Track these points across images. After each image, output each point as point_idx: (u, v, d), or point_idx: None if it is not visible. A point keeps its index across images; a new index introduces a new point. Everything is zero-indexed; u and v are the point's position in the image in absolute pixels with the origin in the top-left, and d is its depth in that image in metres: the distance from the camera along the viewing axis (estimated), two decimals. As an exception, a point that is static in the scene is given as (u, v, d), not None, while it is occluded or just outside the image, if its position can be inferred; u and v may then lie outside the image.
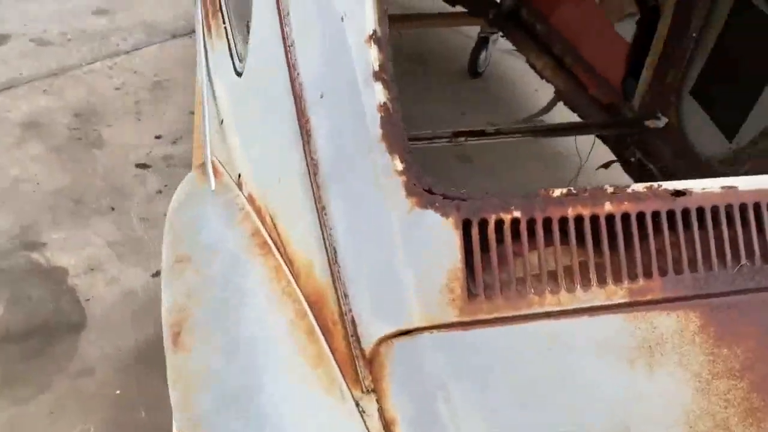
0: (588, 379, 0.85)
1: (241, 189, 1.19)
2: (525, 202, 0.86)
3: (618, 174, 2.39)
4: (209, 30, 1.48)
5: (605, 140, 2.51)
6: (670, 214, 0.85)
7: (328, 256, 0.97)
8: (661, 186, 0.87)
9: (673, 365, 0.84)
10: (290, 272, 1.06)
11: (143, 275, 2.39)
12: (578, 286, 0.84)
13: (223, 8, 1.45)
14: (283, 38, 1.00)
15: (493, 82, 3.57)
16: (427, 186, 0.89)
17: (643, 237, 0.86)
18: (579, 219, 0.85)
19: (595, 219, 0.85)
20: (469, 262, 0.86)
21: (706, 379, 0.84)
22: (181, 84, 3.38)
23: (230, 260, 1.10)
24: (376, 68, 0.91)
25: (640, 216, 0.85)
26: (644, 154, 2.40)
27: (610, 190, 0.87)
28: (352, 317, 0.95)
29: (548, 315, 0.85)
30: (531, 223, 0.85)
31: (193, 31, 3.78)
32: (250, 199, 1.16)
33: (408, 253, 0.89)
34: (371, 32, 0.92)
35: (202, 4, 1.57)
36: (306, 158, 0.97)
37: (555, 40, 2.88)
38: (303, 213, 1.01)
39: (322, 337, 1.01)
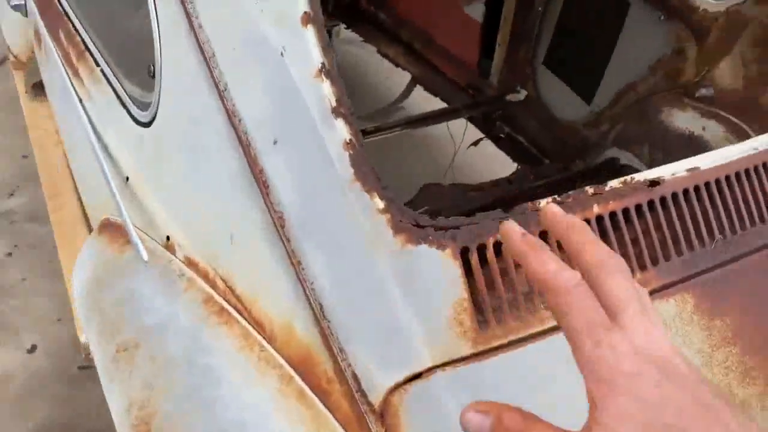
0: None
1: (174, 253, 1.05)
2: (520, 219, 0.83)
3: (493, 151, 2.47)
4: (76, 75, 1.28)
5: (472, 120, 2.58)
6: (651, 204, 0.88)
7: (313, 312, 0.88)
8: (634, 178, 0.89)
9: (680, 347, 0.87)
10: (262, 336, 0.96)
11: (17, 354, 2.09)
12: (583, 292, 0.84)
13: (91, 49, 1.25)
14: (214, 83, 0.88)
15: (343, 75, 3.53)
16: (413, 220, 0.84)
17: (630, 230, 0.87)
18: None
19: (587, 223, 0.85)
20: (473, 290, 0.83)
21: (708, 353, 0.88)
22: None
23: (188, 336, 0.97)
24: (334, 104, 0.84)
25: (625, 211, 0.87)
26: (512, 128, 2.51)
27: (590, 191, 0.87)
28: (353, 372, 0.88)
29: (561, 327, 0.84)
30: (528, 239, 0.83)
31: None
32: (190, 263, 1.03)
33: (406, 293, 0.84)
34: (319, 65, 0.84)
35: (57, 45, 1.35)
36: (268, 211, 0.88)
37: (401, 27, 2.90)
38: (271, 270, 0.91)
39: (316, 399, 0.93)
